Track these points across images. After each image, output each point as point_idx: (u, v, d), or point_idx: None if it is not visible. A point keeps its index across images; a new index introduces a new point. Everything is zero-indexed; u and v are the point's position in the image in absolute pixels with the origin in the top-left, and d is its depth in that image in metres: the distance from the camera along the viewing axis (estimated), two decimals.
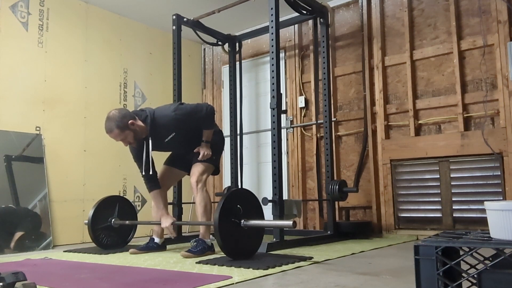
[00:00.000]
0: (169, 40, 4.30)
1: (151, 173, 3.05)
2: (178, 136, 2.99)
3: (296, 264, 2.38)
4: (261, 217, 2.80)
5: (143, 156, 3.00)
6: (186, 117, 2.95)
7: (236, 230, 2.61)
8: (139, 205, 4.58)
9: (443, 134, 3.71)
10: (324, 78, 3.96)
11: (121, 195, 4.41)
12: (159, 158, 3.23)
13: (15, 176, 3.63)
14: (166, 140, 2.99)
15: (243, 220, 2.63)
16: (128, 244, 3.45)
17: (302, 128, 4.57)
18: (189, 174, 3.16)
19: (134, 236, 3.53)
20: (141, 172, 3.06)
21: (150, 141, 2.96)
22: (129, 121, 2.86)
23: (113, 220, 3.35)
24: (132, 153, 3.12)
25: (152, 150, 3.00)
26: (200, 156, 3.02)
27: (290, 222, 2.53)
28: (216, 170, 3.21)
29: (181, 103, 3.08)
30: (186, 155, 3.17)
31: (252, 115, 5.00)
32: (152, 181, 3.10)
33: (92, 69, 4.34)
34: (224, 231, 2.53)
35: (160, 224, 3.06)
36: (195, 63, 5.50)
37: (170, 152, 3.35)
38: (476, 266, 1.27)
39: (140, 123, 2.93)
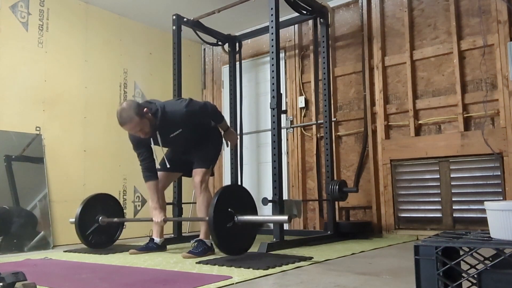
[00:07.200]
0: (169, 40, 4.30)
1: (150, 162, 3.05)
2: (184, 132, 2.95)
3: (296, 264, 2.38)
4: (255, 214, 2.83)
5: (146, 146, 2.99)
6: (196, 114, 2.94)
7: (230, 227, 2.63)
8: (139, 205, 4.57)
9: (443, 134, 3.71)
10: (324, 78, 3.96)
11: (121, 195, 4.42)
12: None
13: (15, 176, 3.63)
14: (172, 135, 2.94)
15: (236, 217, 2.64)
16: (127, 244, 3.45)
17: (302, 128, 4.57)
18: (184, 175, 3.15)
19: (134, 237, 3.52)
20: (140, 161, 3.07)
21: (158, 135, 2.92)
22: (145, 109, 2.81)
23: (100, 218, 3.33)
24: (133, 142, 3.06)
25: (154, 144, 2.97)
26: (232, 146, 3.03)
27: (285, 217, 2.51)
28: (212, 173, 3.21)
29: (191, 99, 3.00)
30: (183, 154, 3.15)
31: (252, 115, 5.00)
32: (149, 171, 3.07)
33: (92, 69, 4.34)
34: (219, 228, 2.56)
35: (154, 222, 3.07)
36: (195, 63, 5.50)
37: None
38: (476, 266, 1.27)
39: (149, 115, 2.87)
